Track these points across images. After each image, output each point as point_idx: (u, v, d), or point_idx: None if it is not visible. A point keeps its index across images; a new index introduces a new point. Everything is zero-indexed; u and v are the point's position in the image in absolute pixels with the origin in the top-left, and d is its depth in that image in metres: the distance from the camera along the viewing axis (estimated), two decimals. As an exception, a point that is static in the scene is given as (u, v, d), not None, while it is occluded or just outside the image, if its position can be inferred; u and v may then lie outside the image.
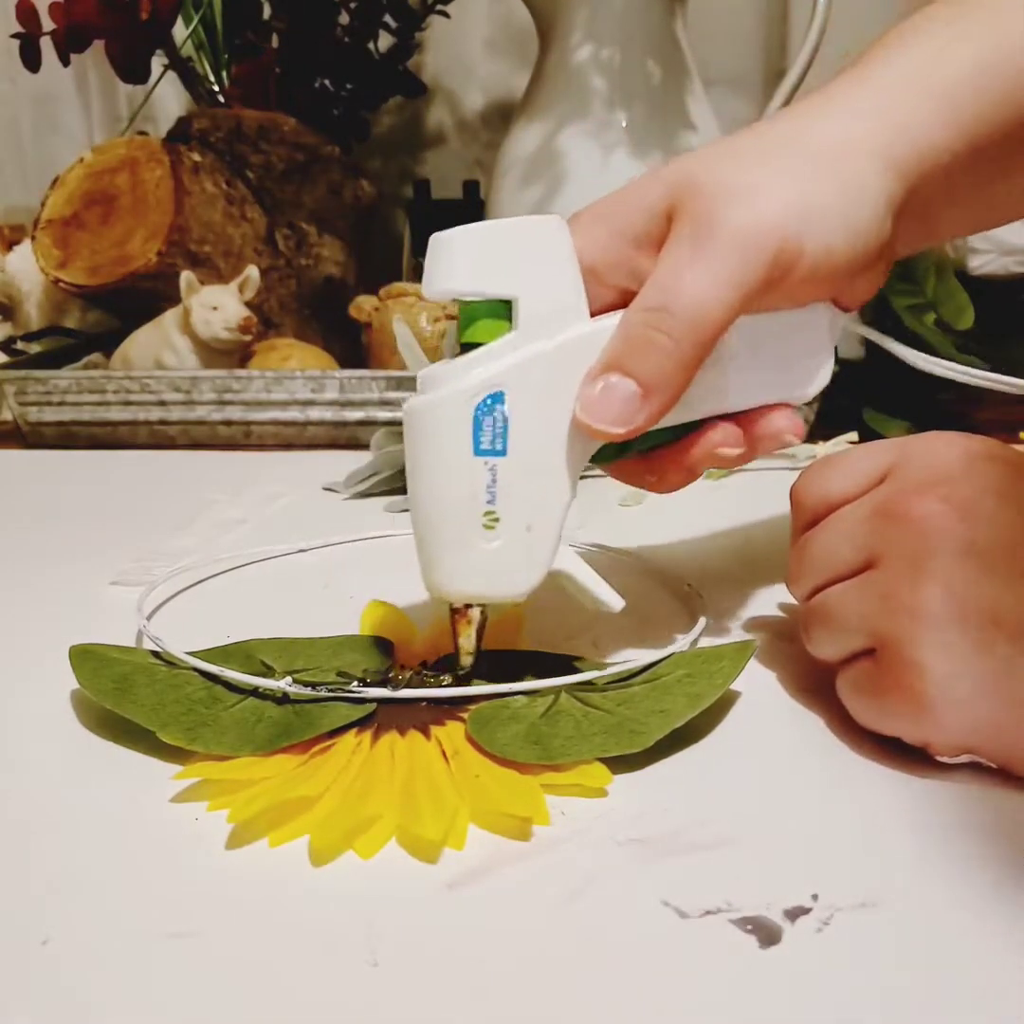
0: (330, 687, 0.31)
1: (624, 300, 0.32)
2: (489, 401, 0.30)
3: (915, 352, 0.34)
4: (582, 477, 0.32)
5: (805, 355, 0.34)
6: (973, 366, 0.49)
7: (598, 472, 0.36)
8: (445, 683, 0.32)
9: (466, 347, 0.31)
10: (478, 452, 0.30)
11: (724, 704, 0.32)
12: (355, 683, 0.32)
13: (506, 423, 0.30)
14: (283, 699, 0.31)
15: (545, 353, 0.30)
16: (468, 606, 0.32)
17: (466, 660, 0.33)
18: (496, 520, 0.30)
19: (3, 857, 0.26)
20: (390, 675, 0.33)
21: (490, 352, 0.30)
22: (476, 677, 0.33)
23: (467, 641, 0.32)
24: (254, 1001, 0.21)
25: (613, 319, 0.31)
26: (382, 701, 0.31)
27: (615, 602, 0.33)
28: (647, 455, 0.35)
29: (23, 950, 0.22)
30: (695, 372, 0.31)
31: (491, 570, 0.31)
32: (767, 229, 0.30)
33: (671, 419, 0.32)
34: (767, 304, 0.32)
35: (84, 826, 0.27)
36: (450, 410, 0.30)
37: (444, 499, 0.30)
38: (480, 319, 0.31)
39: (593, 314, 0.31)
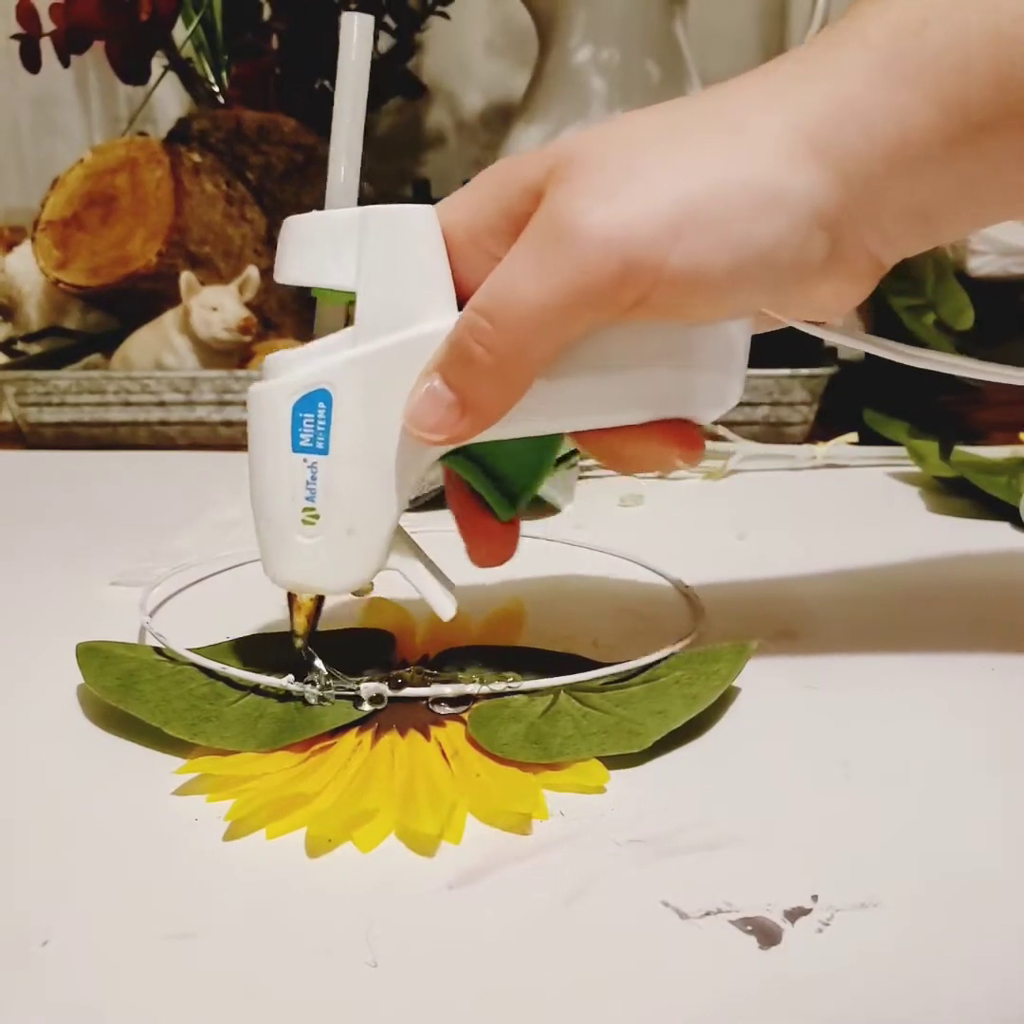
0: (332, 685, 0.31)
1: None
2: (311, 398, 0.29)
3: (904, 348, 0.33)
4: (581, 478, 0.32)
5: (709, 372, 0.30)
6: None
7: (597, 472, 0.36)
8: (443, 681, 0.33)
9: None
10: (296, 449, 0.29)
11: (723, 703, 0.32)
12: (356, 681, 0.32)
13: (328, 422, 0.29)
14: (285, 696, 0.31)
15: (377, 352, 0.29)
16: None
17: (297, 642, 0.32)
18: (316, 517, 0.29)
19: (5, 857, 0.26)
20: (392, 674, 0.33)
21: (324, 346, 0.29)
22: (475, 674, 0.33)
23: (297, 625, 0.32)
24: (254, 1001, 0.21)
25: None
26: (380, 710, 0.31)
27: (446, 610, 0.31)
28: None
29: (23, 950, 0.22)
30: (522, 391, 0.28)
31: (311, 564, 0.30)
32: (617, 238, 0.25)
33: (529, 430, 0.30)
34: (639, 319, 0.27)
35: (86, 825, 0.27)
36: (270, 404, 0.29)
37: (266, 491, 0.30)
38: (330, 309, 0.29)
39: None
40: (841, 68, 0.26)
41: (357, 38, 0.29)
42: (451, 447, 0.29)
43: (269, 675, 0.32)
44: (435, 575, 0.32)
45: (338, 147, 0.29)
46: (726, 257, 0.26)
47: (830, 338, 0.30)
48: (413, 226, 0.29)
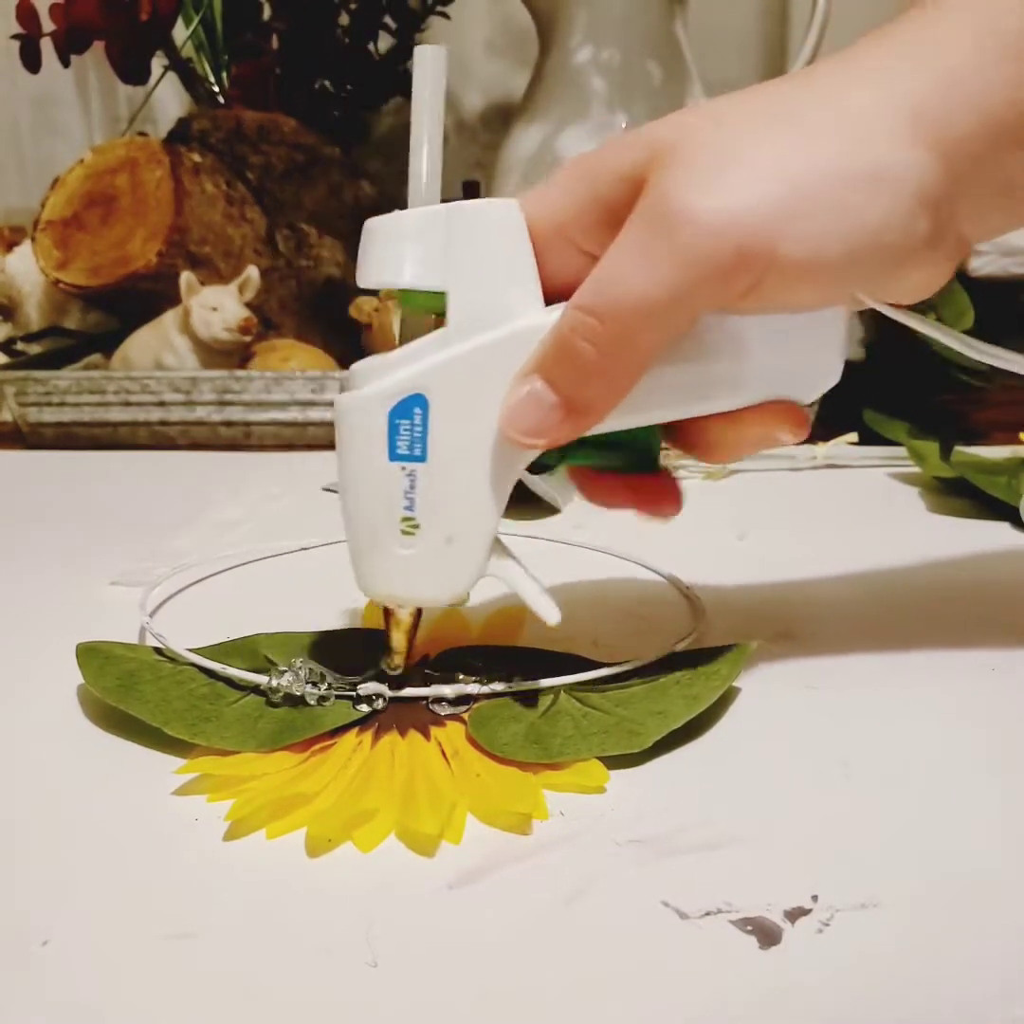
0: (332, 686, 0.31)
1: None
2: (407, 404, 0.28)
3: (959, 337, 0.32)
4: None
5: (809, 355, 0.29)
6: (972, 366, 0.49)
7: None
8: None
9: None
10: (394, 457, 0.28)
11: (724, 703, 0.32)
12: (356, 681, 0.32)
13: (425, 428, 0.28)
14: (286, 696, 0.31)
15: (472, 353, 0.28)
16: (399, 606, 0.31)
17: (396, 659, 0.31)
18: (415, 526, 0.29)
19: (5, 857, 0.25)
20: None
21: (419, 350, 0.28)
22: (475, 674, 0.33)
23: (396, 641, 0.31)
24: (254, 1001, 0.21)
25: (558, 313, 0.27)
26: (380, 710, 0.31)
27: (551, 615, 0.30)
28: (620, 477, 0.31)
29: (23, 950, 0.22)
30: (629, 387, 0.27)
31: (410, 575, 0.29)
32: (730, 224, 0.25)
33: (630, 423, 0.29)
34: (746, 309, 0.27)
35: (86, 825, 0.27)
36: (365, 412, 0.28)
37: (362, 502, 0.29)
38: (418, 311, 0.29)
39: (566, 285, 0.27)
40: (942, 42, 0.26)
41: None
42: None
43: (269, 675, 0.32)
44: (533, 580, 0.31)
45: (419, 142, 0.29)
46: (837, 239, 0.26)
47: (911, 323, 0.30)
48: (500, 221, 0.28)
